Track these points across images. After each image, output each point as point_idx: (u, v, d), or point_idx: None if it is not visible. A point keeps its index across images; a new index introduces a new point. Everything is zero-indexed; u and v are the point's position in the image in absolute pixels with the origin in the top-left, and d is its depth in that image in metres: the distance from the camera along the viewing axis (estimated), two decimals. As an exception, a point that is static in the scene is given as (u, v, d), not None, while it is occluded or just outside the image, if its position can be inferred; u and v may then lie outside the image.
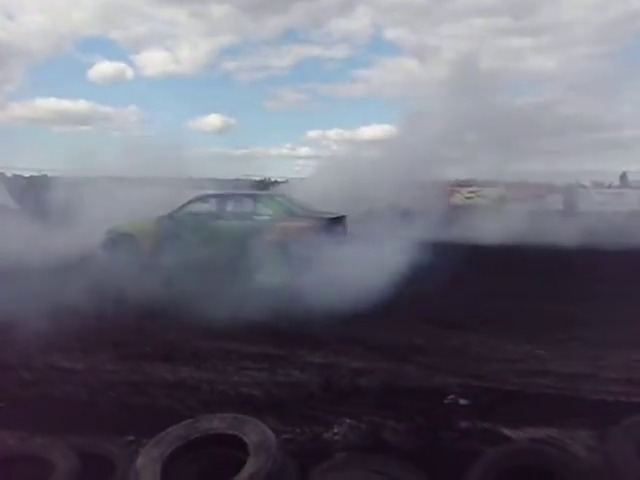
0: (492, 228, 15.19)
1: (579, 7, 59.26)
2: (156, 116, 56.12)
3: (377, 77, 68.35)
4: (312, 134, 77.87)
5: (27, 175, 29.23)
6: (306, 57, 69.97)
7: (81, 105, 66.23)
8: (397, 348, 5.69)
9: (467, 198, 30.85)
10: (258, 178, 32.79)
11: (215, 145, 79.46)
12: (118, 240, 10.87)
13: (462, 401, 4.38)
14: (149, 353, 5.48)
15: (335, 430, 3.83)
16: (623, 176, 34.63)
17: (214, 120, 67.52)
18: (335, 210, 11.82)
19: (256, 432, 2.95)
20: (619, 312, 6.87)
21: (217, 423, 3.10)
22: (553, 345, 5.76)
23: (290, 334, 6.12)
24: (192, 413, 3.42)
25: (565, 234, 14.28)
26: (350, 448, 3.50)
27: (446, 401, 4.38)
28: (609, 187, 33.40)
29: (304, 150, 70.46)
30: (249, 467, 2.75)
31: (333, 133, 71.58)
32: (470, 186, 32.70)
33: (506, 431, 3.78)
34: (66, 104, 64.58)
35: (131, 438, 3.56)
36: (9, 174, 28.05)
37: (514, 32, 67.51)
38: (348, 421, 3.93)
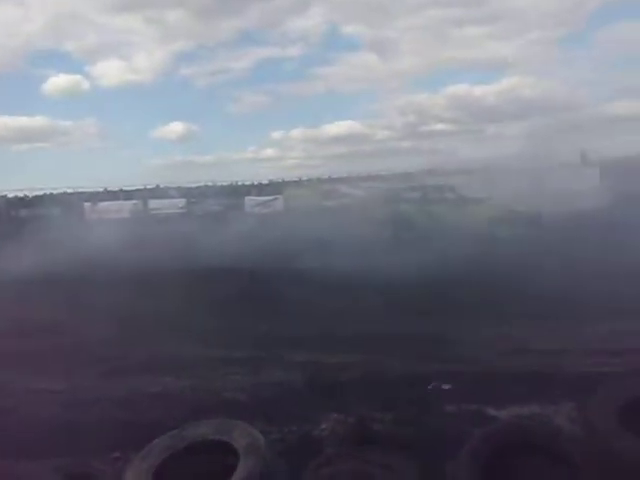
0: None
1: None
2: (116, 127, 55.03)
3: (336, 74, 68.44)
4: (276, 135, 77.50)
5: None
6: (264, 58, 69.36)
7: (38, 121, 64.29)
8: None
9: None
10: (225, 183, 32.63)
11: (179, 153, 78.47)
12: None
13: (445, 385, 4.43)
14: (130, 365, 5.40)
15: (323, 426, 3.83)
16: (583, 155, 35.28)
17: (176, 128, 66.59)
18: None
19: (244, 435, 2.94)
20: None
21: (204, 430, 3.07)
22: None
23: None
24: (178, 423, 3.37)
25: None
26: (339, 443, 3.51)
27: (429, 387, 4.43)
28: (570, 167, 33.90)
29: (269, 152, 70.08)
30: (240, 471, 2.73)
31: (297, 133, 71.36)
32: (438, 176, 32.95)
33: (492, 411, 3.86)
34: (23, 121, 62.72)
35: (118, 454, 3.50)
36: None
37: (470, 21, 68.63)
38: (335, 416, 3.94)
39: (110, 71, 73.96)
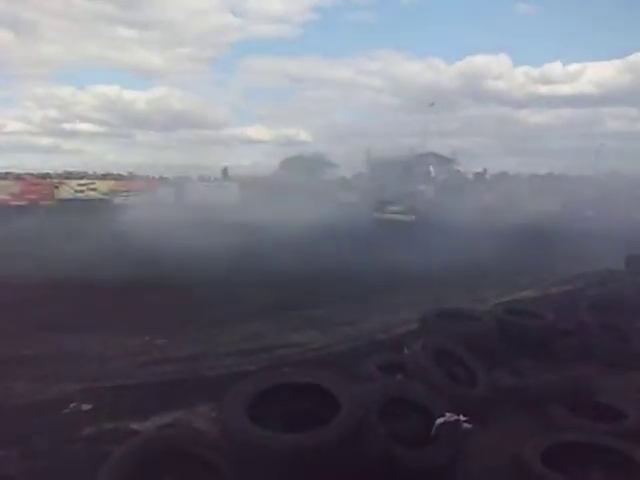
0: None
1: (183, 9, 62.76)
2: None
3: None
4: None
5: None
6: None
7: None
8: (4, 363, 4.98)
9: (77, 191, 29.62)
10: None
11: None
12: None
13: (85, 406, 4.15)
14: None
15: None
16: (224, 170, 39.04)
17: None
18: None
19: None
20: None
21: None
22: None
23: None
24: None
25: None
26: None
27: (67, 410, 4.08)
28: (213, 180, 37.28)
29: None
30: None
31: None
32: (81, 178, 32.25)
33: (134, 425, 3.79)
34: None
35: None
36: None
37: (122, 22, 66.40)
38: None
39: None
